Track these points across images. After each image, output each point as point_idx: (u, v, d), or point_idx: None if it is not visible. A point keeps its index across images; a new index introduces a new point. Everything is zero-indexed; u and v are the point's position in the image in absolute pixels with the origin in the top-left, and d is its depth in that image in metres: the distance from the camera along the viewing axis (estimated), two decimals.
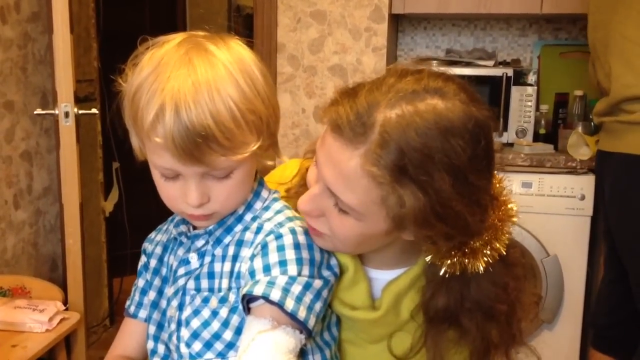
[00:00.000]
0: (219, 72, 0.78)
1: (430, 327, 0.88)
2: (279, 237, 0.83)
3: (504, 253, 0.85)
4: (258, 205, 0.90)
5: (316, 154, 0.83)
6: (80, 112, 2.13)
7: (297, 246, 0.83)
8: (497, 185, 0.87)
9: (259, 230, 0.86)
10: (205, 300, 0.86)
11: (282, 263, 0.81)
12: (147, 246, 1.00)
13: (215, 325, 0.85)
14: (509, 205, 0.87)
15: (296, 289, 0.80)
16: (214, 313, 0.85)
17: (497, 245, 0.84)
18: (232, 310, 0.85)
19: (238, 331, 0.84)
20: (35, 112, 2.20)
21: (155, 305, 0.96)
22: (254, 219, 0.89)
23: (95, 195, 2.86)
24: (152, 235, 1.01)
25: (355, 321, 0.92)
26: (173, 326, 0.90)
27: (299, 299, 0.80)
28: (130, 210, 3.02)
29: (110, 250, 2.97)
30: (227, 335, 0.85)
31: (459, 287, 0.86)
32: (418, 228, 0.78)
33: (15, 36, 2.24)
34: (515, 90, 2.35)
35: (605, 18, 1.79)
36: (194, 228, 0.91)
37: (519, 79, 2.35)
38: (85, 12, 2.76)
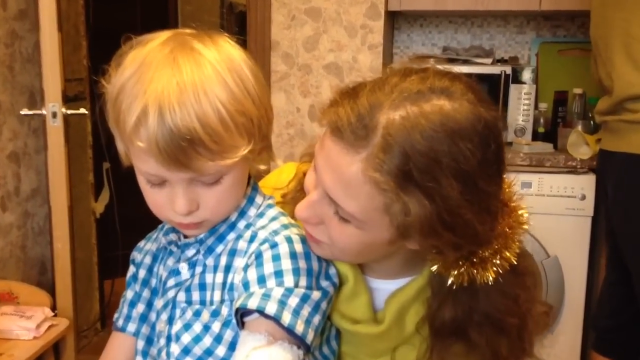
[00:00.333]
0: (205, 71, 0.74)
1: (436, 341, 0.84)
2: (274, 245, 0.79)
3: (515, 263, 0.80)
4: (252, 212, 0.86)
5: (315, 158, 0.79)
6: (69, 112, 2.09)
7: (293, 255, 0.79)
8: (507, 189, 0.82)
9: (252, 238, 0.83)
10: (197, 314, 0.83)
11: (278, 274, 0.78)
12: (136, 255, 0.96)
13: (207, 340, 0.81)
14: (520, 212, 0.82)
15: (293, 301, 0.76)
16: (206, 327, 0.82)
17: (508, 254, 0.80)
18: (225, 324, 0.81)
19: (232, 347, 0.80)
20: (21, 113, 2.15)
21: (144, 318, 0.92)
22: (247, 226, 0.85)
23: (86, 196, 2.82)
24: (141, 244, 0.97)
25: (357, 335, 0.88)
26: (162, 341, 0.86)
27: (296, 313, 0.76)
28: (121, 211, 2.98)
29: (101, 251, 2.94)
30: (220, 351, 0.81)
31: (467, 299, 0.81)
32: (424, 237, 0.73)
33: (1, 34, 2.20)
34: (513, 89, 2.32)
35: (608, 15, 1.76)
36: (185, 237, 0.87)
37: (517, 77, 2.32)
38: (74, 9, 2.71)
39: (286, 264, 0.78)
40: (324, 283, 0.82)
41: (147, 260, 0.93)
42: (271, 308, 0.74)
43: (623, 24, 1.70)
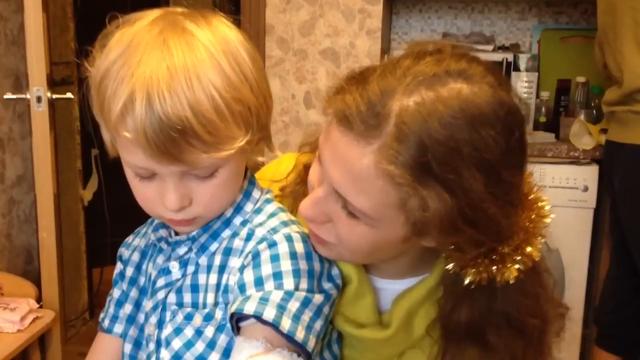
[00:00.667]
0: (198, 54, 0.68)
1: (449, 345, 0.79)
2: (272, 245, 0.74)
3: (538, 259, 0.75)
4: (248, 207, 0.80)
5: (319, 150, 0.73)
6: (55, 96, 2.02)
7: (293, 255, 0.74)
8: (527, 181, 0.77)
9: (249, 236, 0.77)
10: (188, 317, 0.77)
11: (277, 275, 0.72)
12: (124, 252, 0.90)
13: (200, 346, 0.76)
14: (541, 204, 0.76)
15: (293, 305, 0.71)
16: (198, 332, 0.76)
17: (530, 250, 0.74)
18: (219, 329, 0.76)
19: (226, 353, 0.75)
20: (5, 97, 2.08)
21: (131, 319, 0.86)
22: (243, 223, 0.79)
23: (73, 184, 2.77)
24: (129, 239, 0.91)
25: (361, 340, 0.82)
26: (152, 346, 0.81)
27: (296, 318, 0.70)
28: (110, 199, 2.93)
29: (89, 240, 2.89)
30: (213, 358, 0.75)
31: (485, 299, 0.76)
32: (443, 235, 0.68)
33: None
34: (514, 77, 2.29)
35: (617, 2, 1.72)
36: (176, 233, 0.82)
37: (519, 64, 2.28)
38: None
39: (286, 265, 0.73)
40: (327, 285, 0.77)
41: (135, 257, 0.88)
42: (269, 313, 0.69)
43: (633, 12, 1.68)
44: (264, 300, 0.70)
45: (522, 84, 2.28)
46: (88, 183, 2.84)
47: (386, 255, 0.77)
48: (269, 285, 0.71)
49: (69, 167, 2.68)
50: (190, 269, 0.79)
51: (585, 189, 2.08)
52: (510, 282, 0.74)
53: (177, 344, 0.76)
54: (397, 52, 0.75)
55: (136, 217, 0.92)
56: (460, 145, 0.63)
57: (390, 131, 0.64)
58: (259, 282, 0.72)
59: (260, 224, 0.78)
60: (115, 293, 0.90)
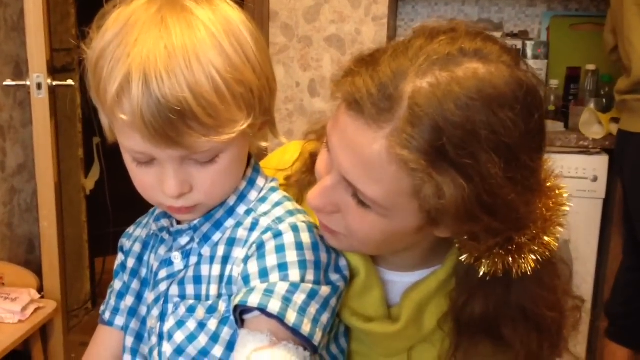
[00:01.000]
0: (198, 34, 0.66)
1: (462, 339, 0.76)
2: (277, 235, 0.72)
3: (555, 249, 0.72)
4: (253, 195, 0.78)
5: (327, 137, 0.70)
6: (55, 83, 1.99)
7: (299, 246, 0.71)
8: (544, 167, 0.74)
9: (253, 226, 0.74)
10: (191, 310, 0.75)
11: (282, 267, 0.70)
12: (125, 243, 0.88)
13: (203, 339, 0.74)
14: (559, 191, 0.74)
15: (299, 298, 0.68)
16: (201, 325, 0.74)
17: (548, 239, 0.71)
18: (223, 321, 0.73)
19: (230, 346, 0.73)
20: (4, 83, 2.05)
21: (133, 312, 0.84)
22: (248, 212, 0.76)
23: (75, 172, 2.75)
24: (131, 229, 0.89)
25: (369, 334, 0.80)
26: (154, 339, 0.79)
27: (302, 310, 0.68)
28: (112, 187, 2.92)
29: (91, 229, 2.89)
30: (217, 351, 0.73)
31: (501, 291, 0.73)
32: (459, 223, 0.65)
33: None
34: None
35: None
36: (178, 223, 0.79)
37: (527, 52, 2.25)
38: None
39: (291, 256, 0.70)
40: (334, 277, 0.75)
41: (137, 248, 0.86)
42: (274, 306, 0.67)
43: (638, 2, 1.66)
44: (268, 293, 0.67)
45: (533, 70, 2.25)
46: (90, 172, 2.83)
47: (398, 246, 0.74)
48: (274, 276, 0.69)
49: (70, 155, 2.66)
50: (193, 259, 0.77)
51: (595, 179, 2.06)
52: (527, 273, 0.71)
53: (179, 337, 0.74)
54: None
55: (139, 206, 0.89)
56: (477, 128, 0.60)
57: (403, 114, 0.61)
58: (263, 274, 0.70)
59: (265, 213, 0.75)
60: (116, 285, 0.88)
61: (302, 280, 0.69)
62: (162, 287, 0.78)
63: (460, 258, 0.73)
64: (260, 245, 0.71)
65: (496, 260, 0.70)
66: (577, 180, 2.06)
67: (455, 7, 2.61)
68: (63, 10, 2.61)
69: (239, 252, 0.74)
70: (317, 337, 0.69)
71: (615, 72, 1.94)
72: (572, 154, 2.07)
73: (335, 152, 0.68)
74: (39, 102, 1.97)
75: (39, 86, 1.95)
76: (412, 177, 0.62)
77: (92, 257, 2.91)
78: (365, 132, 0.63)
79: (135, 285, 0.84)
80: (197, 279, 0.75)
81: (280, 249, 0.70)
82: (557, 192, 0.74)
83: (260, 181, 0.79)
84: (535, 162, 0.66)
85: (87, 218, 2.84)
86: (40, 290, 2.00)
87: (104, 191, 2.90)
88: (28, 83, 1.97)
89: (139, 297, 0.84)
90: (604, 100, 2.18)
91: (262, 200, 0.77)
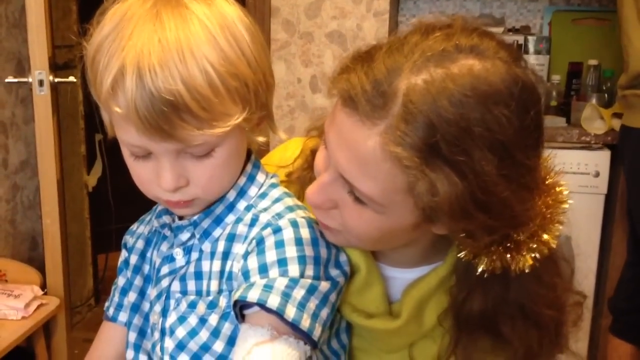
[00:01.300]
0: (192, 28, 0.66)
1: (461, 334, 0.76)
2: (277, 230, 0.72)
3: (554, 247, 0.71)
4: (253, 191, 0.78)
5: (325, 134, 0.70)
6: (57, 80, 1.99)
7: (299, 241, 0.71)
8: (544, 164, 0.73)
9: (253, 222, 0.74)
10: (192, 305, 0.75)
11: (282, 262, 0.70)
12: (128, 239, 0.89)
13: (204, 334, 0.74)
14: (559, 189, 0.73)
15: (298, 293, 0.69)
16: (202, 320, 0.74)
17: (547, 237, 0.70)
18: (223, 317, 0.73)
19: (230, 341, 0.73)
20: (6, 80, 2.05)
21: (136, 308, 0.85)
22: (248, 208, 0.77)
23: (78, 169, 2.75)
24: (134, 227, 0.90)
25: (370, 330, 0.80)
26: (156, 335, 0.79)
27: (301, 306, 0.68)
28: (114, 184, 2.92)
29: (94, 226, 2.88)
30: (218, 346, 0.73)
31: (499, 289, 0.73)
32: (453, 220, 0.65)
33: None
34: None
35: None
36: (180, 219, 0.79)
37: (529, 47, 2.23)
38: None
39: (291, 252, 0.70)
40: (334, 272, 0.75)
41: (140, 244, 0.86)
42: (273, 301, 0.67)
43: None
44: (268, 288, 0.68)
45: (533, 66, 2.24)
46: (92, 168, 2.83)
47: (396, 242, 0.74)
48: (274, 272, 0.69)
49: (72, 152, 2.66)
50: (194, 255, 0.77)
51: (597, 174, 2.05)
52: (526, 271, 0.70)
53: (181, 332, 0.75)
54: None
55: (141, 202, 0.89)
56: (471, 125, 0.60)
57: (397, 111, 0.61)
58: (263, 269, 0.70)
59: (265, 209, 0.75)
60: (120, 281, 0.88)
61: (302, 275, 0.69)
62: (164, 283, 0.78)
63: (459, 255, 0.73)
64: (260, 241, 0.71)
65: (494, 257, 0.70)
66: (579, 176, 2.05)
67: (456, 2, 2.60)
68: (64, 6, 2.60)
69: (239, 248, 0.74)
70: (317, 332, 0.69)
71: (618, 68, 1.93)
72: (574, 149, 2.06)
73: (331, 149, 0.68)
74: (41, 99, 1.97)
75: (41, 83, 1.95)
76: (406, 174, 0.62)
77: (95, 254, 2.91)
78: (359, 128, 0.63)
79: (138, 281, 0.85)
80: (198, 275, 0.76)
81: (279, 244, 0.70)
82: (557, 189, 0.73)
83: (260, 177, 0.79)
84: (531, 160, 0.65)
85: (89, 215, 2.84)
86: (43, 286, 2.00)
87: (106, 188, 2.90)
88: (30, 80, 1.97)
89: (142, 294, 0.84)
90: (606, 95, 2.17)
91: (262, 196, 0.77)
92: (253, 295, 0.67)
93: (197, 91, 0.64)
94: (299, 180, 0.83)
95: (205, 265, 0.75)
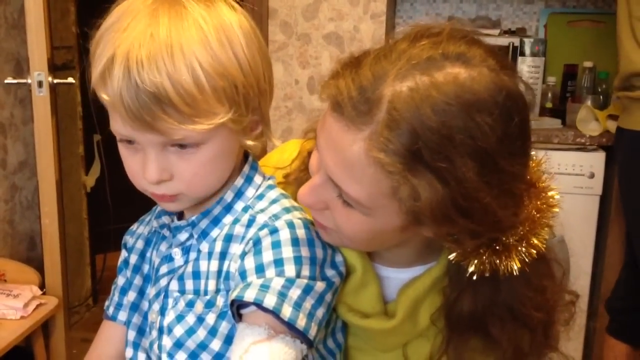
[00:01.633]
0: (185, 25, 0.68)
1: (452, 334, 0.77)
2: (274, 231, 0.72)
3: (543, 250, 0.73)
4: (250, 192, 0.79)
5: (316, 137, 0.71)
6: (56, 81, 1.99)
7: (295, 242, 0.72)
8: (536, 169, 0.74)
9: (250, 223, 0.75)
10: (190, 304, 0.76)
11: (278, 262, 0.71)
12: (128, 239, 0.90)
13: (202, 333, 0.75)
14: (550, 193, 0.74)
15: (294, 293, 0.69)
16: (200, 319, 0.75)
17: (535, 241, 0.72)
18: (221, 316, 0.74)
19: (228, 340, 0.74)
20: (5, 81, 2.06)
21: (135, 307, 0.86)
22: (245, 209, 0.78)
23: (76, 170, 2.75)
24: (134, 227, 0.91)
25: (366, 330, 0.81)
26: (155, 333, 0.80)
27: (297, 305, 0.69)
28: (112, 185, 2.92)
29: (92, 226, 2.89)
30: (215, 345, 0.74)
31: (488, 291, 0.74)
32: (436, 224, 0.66)
33: None
34: (521, 62, 2.27)
35: None
36: (179, 219, 0.81)
37: (525, 49, 2.25)
38: None
39: (287, 252, 0.71)
40: (330, 272, 0.76)
41: (139, 244, 0.87)
42: (270, 300, 0.68)
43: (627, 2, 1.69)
44: (264, 288, 0.68)
45: (529, 68, 2.25)
46: (90, 169, 2.82)
47: (387, 243, 0.75)
48: (270, 272, 0.70)
49: (71, 153, 2.66)
50: (192, 255, 0.78)
51: (592, 175, 2.06)
52: (514, 274, 0.71)
53: (178, 331, 0.76)
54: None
55: (139, 202, 0.91)
56: (453, 133, 0.61)
57: (381, 118, 0.62)
58: (259, 269, 0.71)
59: (262, 210, 0.76)
60: (120, 281, 0.89)
61: (298, 275, 0.70)
62: (163, 282, 0.79)
63: (449, 257, 0.74)
64: (257, 242, 0.72)
65: (484, 259, 0.71)
66: (573, 177, 2.06)
67: (453, 4, 2.60)
68: (63, 7, 2.60)
69: (236, 248, 0.75)
70: (313, 332, 0.70)
71: (613, 70, 1.94)
72: (569, 150, 2.07)
73: (321, 152, 0.69)
74: (40, 99, 1.97)
75: (40, 84, 1.95)
76: (390, 179, 0.63)
77: (93, 254, 2.91)
78: (346, 133, 0.64)
79: (137, 281, 0.86)
80: (196, 275, 0.77)
81: (276, 245, 0.71)
82: (547, 193, 0.74)
83: (257, 178, 0.80)
84: (515, 167, 0.65)
85: (87, 215, 2.85)
86: (41, 286, 2.00)
87: (105, 188, 2.89)
88: (29, 81, 1.97)
89: (141, 293, 0.85)
90: (601, 97, 2.18)
91: (259, 197, 0.78)
92: (250, 295, 0.68)
93: (182, 86, 0.66)
94: (297, 181, 0.84)
95: (203, 265, 0.76)
